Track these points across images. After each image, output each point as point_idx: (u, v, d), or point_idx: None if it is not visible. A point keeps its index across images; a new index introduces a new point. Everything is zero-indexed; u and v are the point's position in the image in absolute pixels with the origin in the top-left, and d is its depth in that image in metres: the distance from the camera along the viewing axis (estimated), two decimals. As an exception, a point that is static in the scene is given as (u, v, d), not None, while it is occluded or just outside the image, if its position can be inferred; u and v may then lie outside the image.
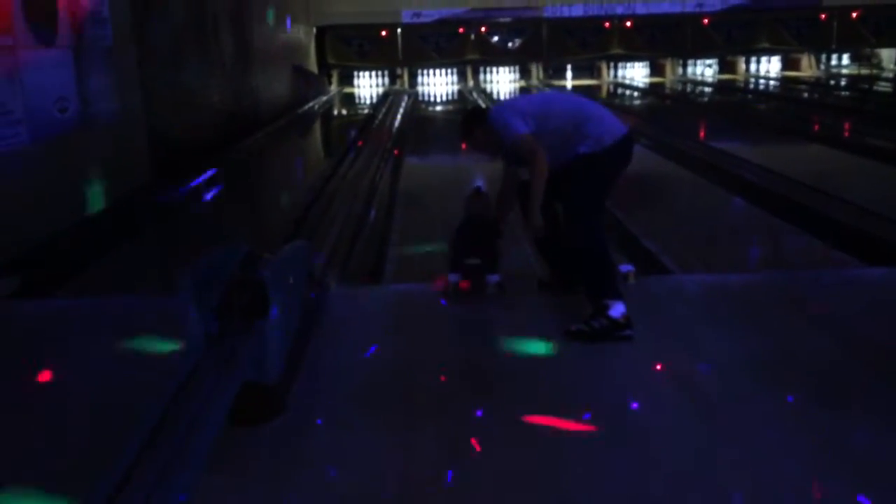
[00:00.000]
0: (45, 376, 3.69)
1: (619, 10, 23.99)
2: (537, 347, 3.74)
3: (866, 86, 20.95)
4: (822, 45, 24.80)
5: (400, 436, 2.97)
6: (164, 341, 3.80)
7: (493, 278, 4.33)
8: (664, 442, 2.88)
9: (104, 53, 8.03)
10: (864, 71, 24.44)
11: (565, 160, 3.97)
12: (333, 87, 24.09)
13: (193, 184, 9.10)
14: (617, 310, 3.72)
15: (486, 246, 4.35)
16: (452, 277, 4.35)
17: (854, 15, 24.10)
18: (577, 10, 24.04)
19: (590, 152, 3.93)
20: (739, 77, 24.84)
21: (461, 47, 24.47)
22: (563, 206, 4.07)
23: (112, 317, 4.21)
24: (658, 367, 3.48)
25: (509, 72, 25.27)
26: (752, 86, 23.25)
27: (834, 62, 25.64)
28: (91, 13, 7.75)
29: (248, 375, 2.97)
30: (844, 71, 25.06)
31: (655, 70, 25.18)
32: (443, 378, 3.47)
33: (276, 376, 3.12)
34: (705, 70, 25.63)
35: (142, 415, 2.63)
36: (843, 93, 20.03)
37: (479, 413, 3.12)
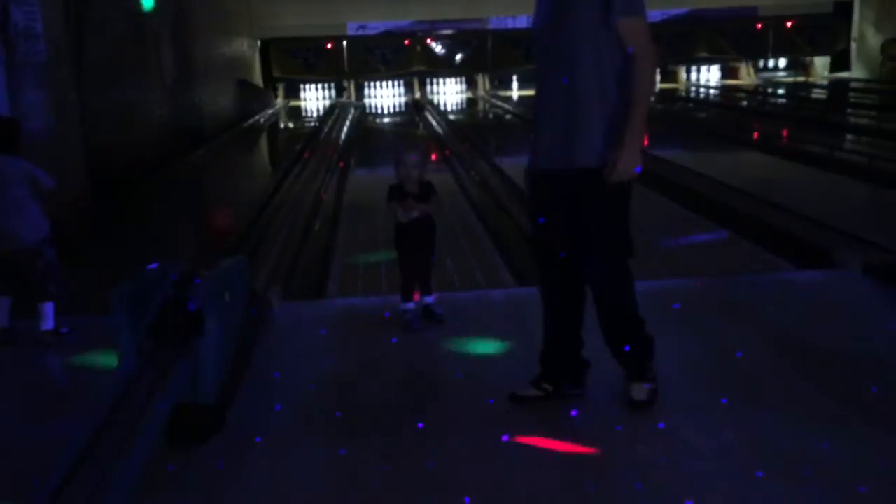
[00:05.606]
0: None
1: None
2: (481, 348, 3.78)
3: (802, 93, 21.53)
4: (758, 54, 25.45)
5: (341, 451, 2.95)
6: (96, 361, 3.72)
7: (429, 299, 4.24)
8: (599, 444, 2.91)
9: (37, 70, 7.86)
10: (800, 78, 25.14)
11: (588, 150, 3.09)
12: (279, 101, 23.92)
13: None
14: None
15: (425, 243, 4.13)
16: (407, 306, 4.20)
17: (788, 24, 24.79)
18: (522, 22, 24.23)
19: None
20: (680, 86, 25.32)
21: (407, 59, 24.51)
22: (589, 242, 3.26)
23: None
24: (595, 371, 3.52)
25: (456, 83, 25.40)
26: (692, 94, 23.71)
27: (770, 71, 26.32)
28: (23, 29, 7.58)
29: (182, 395, 2.92)
30: (780, 77, 25.75)
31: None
32: (385, 391, 3.46)
33: (212, 395, 3.08)
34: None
35: (71, 436, 2.57)
36: (779, 100, 20.53)
37: (420, 425, 3.11)
